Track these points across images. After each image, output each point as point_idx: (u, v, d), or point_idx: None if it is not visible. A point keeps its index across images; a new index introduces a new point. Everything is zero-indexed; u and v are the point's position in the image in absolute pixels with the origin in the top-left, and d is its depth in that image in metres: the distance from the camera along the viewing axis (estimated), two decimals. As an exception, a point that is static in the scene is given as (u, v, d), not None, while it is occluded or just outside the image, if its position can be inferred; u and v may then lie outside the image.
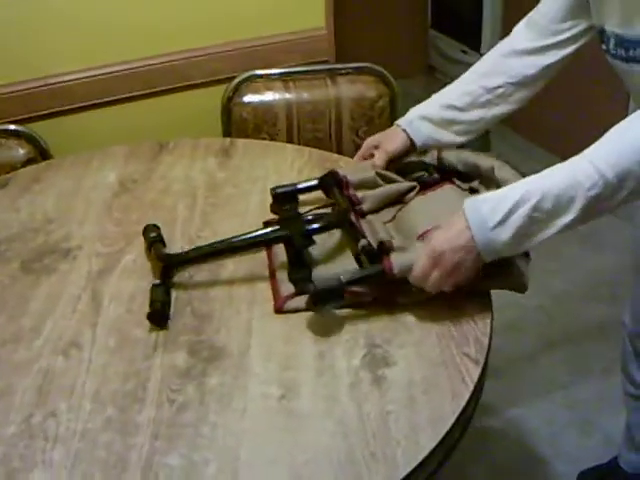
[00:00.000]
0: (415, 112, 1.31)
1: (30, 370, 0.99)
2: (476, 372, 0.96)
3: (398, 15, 3.64)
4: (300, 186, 1.30)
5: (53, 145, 1.67)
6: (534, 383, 2.06)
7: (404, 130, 1.30)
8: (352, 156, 1.76)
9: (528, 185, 0.97)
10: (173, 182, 1.43)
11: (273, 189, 1.29)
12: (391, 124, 1.78)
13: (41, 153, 1.61)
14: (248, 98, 1.76)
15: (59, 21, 1.71)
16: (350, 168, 1.31)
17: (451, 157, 1.25)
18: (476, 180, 1.21)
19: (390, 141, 1.31)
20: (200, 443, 0.86)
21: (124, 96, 1.80)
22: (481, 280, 1.04)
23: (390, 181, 1.26)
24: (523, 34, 1.26)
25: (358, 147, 1.78)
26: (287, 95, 1.76)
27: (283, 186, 1.30)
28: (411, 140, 1.30)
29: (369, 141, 1.35)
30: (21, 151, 1.57)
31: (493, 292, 1.09)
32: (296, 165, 1.48)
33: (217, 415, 0.90)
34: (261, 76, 1.79)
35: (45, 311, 1.10)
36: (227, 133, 1.79)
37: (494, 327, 1.04)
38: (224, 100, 1.78)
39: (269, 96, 1.76)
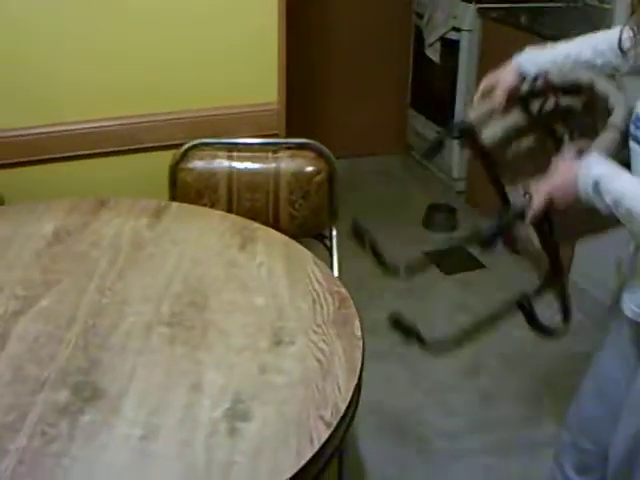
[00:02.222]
0: (528, 49, 1.48)
1: None
2: (325, 434, 1.05)
3: (381, 93, 3.82)
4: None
5: (9, 194, 1.80)
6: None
7: (517, 62, 1.47)
8: (287, 226, 1.91)
9: None
10: (103, 237, 1.56)
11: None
12: (328, 199, 1.95)
13: (-7, 200, 1.75)
14: (193, 164, 1.90)
15: (24, 77, 1.86)
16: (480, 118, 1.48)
17: (555, 76, 1.43)
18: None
19: (507, 78, 1.46)
20: (57, 473, 0.97)
21: (82, 153, 1.94)
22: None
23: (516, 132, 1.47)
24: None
25: (293, 218, 1.94)
26: (230, 164, 1.90)
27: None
28: (523, 70, 1.46)
29: (487, 80, 1.51)
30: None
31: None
32: (219, 230, 1.60)
33: (80, 449, 1.00)
34: (208, 144, 1.93)
35: (-45, 344, 1.21)
36: (172, 197, 1.92)
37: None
38: (172, 165, 1.91)
39: (213, 164, 1.90)
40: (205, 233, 1.60)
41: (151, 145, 2.02)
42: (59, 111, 1.91)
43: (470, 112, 1.51)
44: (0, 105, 1.86)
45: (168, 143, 1.99)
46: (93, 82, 1.93)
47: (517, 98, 1.48)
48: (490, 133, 1.48)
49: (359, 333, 1.27)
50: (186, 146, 1.92)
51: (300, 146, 1.95)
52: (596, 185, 1.19)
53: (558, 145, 1.40)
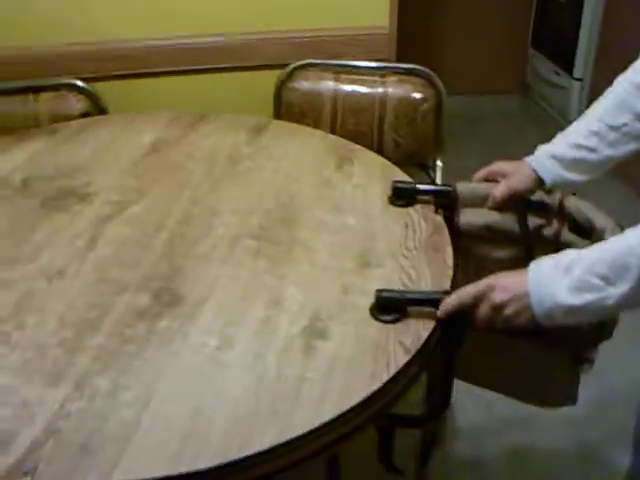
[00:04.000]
0: (544, 151, 1.30)
1: (16, 288, 1.11)
2: (403, 360, 1.00)
3: (500, 30, 3.63)
4: (420, 187, 1.38)
5: (115, 105, 1.81)
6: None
7: (534, 169, 1.29)
8: (391, 153, 1.84)
9: (588, 249, 0.98)
10: (199, 149, 1.54)
11: (394, 182, 1.38)
12: (435, 128, 1.86)
13: (99, 111, 1.76)
14: (299, 84, 1.85)
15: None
16: (468, 194, 1.34)
17: (572, 206, 1.26)
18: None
19: (518, 178, 1.30)
20: (129, 372, 0.96)
21: (189, 68, 1.93)
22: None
23: (496, 234, 1.30)
24: None
25: (397, 145, 1.86)
26: (335, 86, 1.84)
27: (404, 182, 1.39)
28: (539, 179, 1.29)
29: (497, 167, 1.35)
30: (79, 105, 1.72)
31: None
32: (317, 149, 1.55)
33: (154, 352, 1.00)
34: (315, 65, 1.87)
35: (46, 242, 1.23)
36: (277, 116, 1.88)
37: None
38: (278, 84, 1.87)
39: (318, 85, 1.84)
40: (303, 151, 1.55)
41: (259, 64, 1.98)
42: (171, 24, 1.89)
43: (460, 184, 1.33)
44: (112, 16, 1.86)
45: (276, 62, 1.94)
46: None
47: (518, 203, 1.29)
48: (469, 219, 1.31)
49: (450, 261, 1.20)
50: (293, 65, 1.88)
51: (409, 72, 1.86)
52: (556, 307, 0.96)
53: None
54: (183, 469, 0.83)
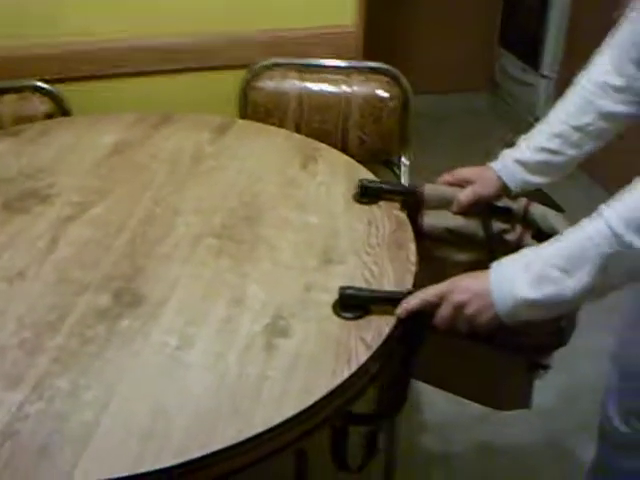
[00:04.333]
0: (509, 156, 1.31)
1: (-25, 291, 1.11)
2: (364, 356, 1.00)
3: (468, 28, 3.65)
4: (385, 187, 1.39)
5: (79, 107, 1.80)
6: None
7: (498, 175, 1.30)
8: (356, 151, 1.85)
9: (546, 243, 0.99)
10: (163, 150, 1.53)
11: (361, 181, 1.38)
12: (400, 126, 1.87)
13: (63, 112, 1.75)
14: (264, 84, 1.85)
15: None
16: (434, 196, 1.34)
17: (537, 214, 1.27)
18: None
19: (483, 184, 1.31)
20: (89, 373, 0.96)
21: (153, 69, 1.91)
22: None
23: (459, 237, 1.31)
24: (605, 67, 1.23)
25: (362, 143, 1.87)
26: (301, 85, 1.84)
27: (370, 181, 1.39)
28: (504, 184, 1.30)
29: (461, 173, 1.34)
30: (42, 107, 1.71)
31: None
32: (281, 148, 1.56)
33: (114, 353, 0.99)
34: (280, 64, 1.87)
35: (7, 244, 1.22)
36: (243, 115, 1.88)
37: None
38: (243, 83, 1.87)
39: (283, 84, 1.84)
40: (267, 150, 1.55)
41: (225, 64, 1.97)
42: (136, 24, 1.88)
43: (427, 186, 1.33)
44: (76, 17, 1.84)
45: (242, 62, 1.93)
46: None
47: (483, 207, 1.30)
48: (432, 221, 1.32)
49: (413, 258, 1.21)
50: (258, 65, 1.87)
51: (375, 70, 1.87)
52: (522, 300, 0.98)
53: None
54: (144, 468, 0.83)
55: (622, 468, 1.49)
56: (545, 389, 2.01)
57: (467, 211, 1.32)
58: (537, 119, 1.35)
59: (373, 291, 1.12)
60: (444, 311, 1.04)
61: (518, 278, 0.99)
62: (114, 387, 0.94)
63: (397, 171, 1.90)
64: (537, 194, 1.34)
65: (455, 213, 1.32)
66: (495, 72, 3.78)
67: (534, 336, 1.15)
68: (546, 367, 1.21)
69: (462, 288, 1.04)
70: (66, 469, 0.82)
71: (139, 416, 0.89)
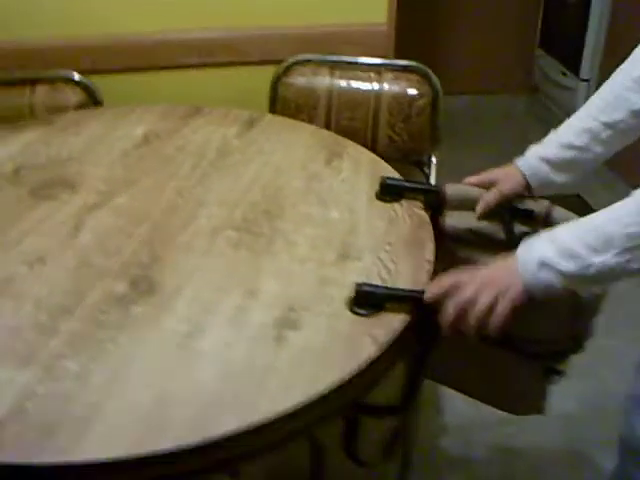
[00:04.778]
0: (534, 153, 1.30)
1: (-5, 274, 1.13)
2: (373, 353, 0.99)
3: (508, 30, 3.62)
4: (409, 185, 1.39)
5: (111, 99, 1.83)
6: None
7: (523, 174, 1.29)
8: (385, 149, 1.85)
9: (578, 220, 1.01)
10: (191, 142, 1.55)
11: (383, 178, 1.38)
12: (430, 125, 1.86)
13: (95, 104, 1.78)
14: (294, 79, 1.86)
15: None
16: (456, 196, 1.34)
17: (559, 217, 1.26)
18: None
19: (507, 182, 1.30)
20: (100, 357, 0.97)
21: (186, 62, 1.94)
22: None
23: (481, 238, 1.30)
24: None
25: (392, 141, 1.86)
26: (331, 81, 1.84)
27: (392, 178, 1.39)
28: (528, 183, 1.29)
29: (487, 175, 1.34)
30: (75, 98, 1.74)
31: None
32: (307, 144, 1.56)
33: (126, 338, 1.01)
34: (311, 61, 1.87)
35: (31, 229, 1.25)
36: (272, 111, 1.89)
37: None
38: (274, 79, 1.88)
39: (314, 80, 1.85)
40: (293, 145, 1.56)
41: (257, 59, 1.99)
42: (170, 18, 1.91)
43: (450, 186, 1.33)
44: (112, 9, 1.87)
45: (273, 58, 1.94)
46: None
47: (506, 209, 1.29)
48: (455, 222, 1.31)
49: (430, 257, 1.20)
50: (289, 61, 1.88)
51: (405, 69, 1.86)
52: (547, 260, 0.98)
53: None
54: (143, 451, 0.84)
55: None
56: (567, 395, 2.01)
57: (492, 212, 1.31)
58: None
59: (389, 288, 1.11)
60: (465, 294, 1.04)
61: (544, 247, 1.00)
62: (122, 372, 0.95)
63: (427, 171, 1.89)
64: (575, 200, 1.32)
65: (480, 215, 1.31)
66: (534, 75, 3.73)
67: (550, 342, 1.14)
68: (561, 373, 1.20)
69: (481, 275, 1.04)
70: (68, 448, 0.84)
71: (143, 401, 0.90)
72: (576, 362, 1.81)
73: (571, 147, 1.26)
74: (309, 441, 1.73)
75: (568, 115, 1.29)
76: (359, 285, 1.08)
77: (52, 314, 1.05)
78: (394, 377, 1.13)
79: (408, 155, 1.87)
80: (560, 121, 1.29)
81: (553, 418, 1.94)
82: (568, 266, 0.97)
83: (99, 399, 0.90)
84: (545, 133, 1.33)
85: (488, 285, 1.03)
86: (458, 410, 2.02)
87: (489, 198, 1.30)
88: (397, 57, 2.06)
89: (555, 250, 0.98)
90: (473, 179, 1.35)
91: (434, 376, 1.28)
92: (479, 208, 1.31)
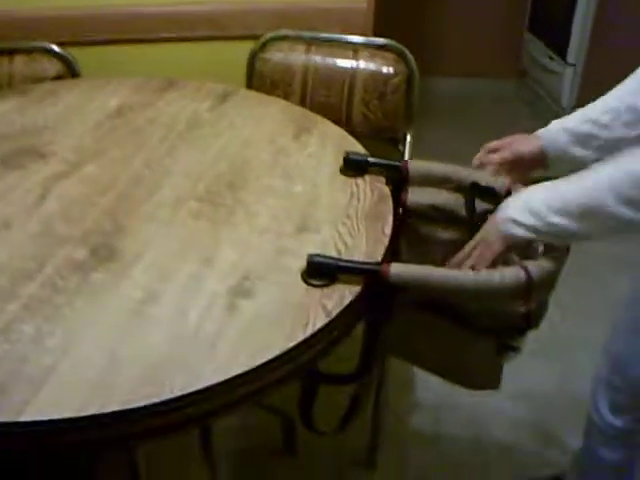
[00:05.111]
0: (557, 123, 1.30)
1: (-39, 239, 1.16)
2: (322, 322, 1.03)
3: (497, 13, 3.62)
4: (371, 160, 1.40)
5: (89, 71, 1.84)
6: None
7: (542, 140, 1.30)
8: (360, 126, 1.86)
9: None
10: (163, 114, 1.57)
11: (347, 153, 1.40)
12: (405, 103, 1.88)
13: (72, 75, 1.79)
14: (271, 55, 1.87)
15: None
16: (419, 172, 1.36)
17: None
18: None
19: (527, 145, 1.31)
20: (55, 320, 1.00)
21: (164, 36, 1.95)
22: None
23: (442, 215, 1.33)
24: None
25: (366, 119, 1.88)
26: (307, 58, 1.86)
27: (355, 153, 1.41)
28: (545, 152, 1.30)
29: (507, 139, 1.35)
30: (52, 69, 1.76)
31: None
32: (278, 118, 1.58)
33: (82, 303, 1.04)
34: (288, 37, 1.89)
35: (-1, 197, 1.27)
36: (249, 86, 1.90)
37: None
38: (251, 54, 1.89)
39: (290, 56, 1.86)
40: (263, 120, 1.58)
41: (236, 34, 2.00)
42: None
43: (415, 162, 1.36)
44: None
45: (252, 33, 1.95)
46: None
47: (467, 185, 1.30)
48: (416, 198, 1.32)
49: (388, 231, 1.23)
50: (266, 37, 1.89)
51: (382, 47, 1.88)
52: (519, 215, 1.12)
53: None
54: (90, 412, 0.87)
55: (605, 459, 1.50)
56: (540, 376, 2.05)
57: (456, 188, 1.33)
58: (563, 108, 1.34)
59: (341, 260, 1.14)
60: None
61: (515, 204, 1.14)
62: (76, 335, 0.98)
63: (402, 149, 1.91)
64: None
65: (495, 171, 1.33)
66: (523, 58, 3.74)
67: (504, 318, 1.16)
68: (516, 350, 1.22)
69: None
70: (18, 406, 0.87)
71: (94, 364, 0.93)
72: (554, 345, 1.87)
73: (594, 122, 1.25)
74: (280, 415, 1.77)
75: (555, 99, 1.30)
76: (311, 256, 1.11)
77: (12, 278, 1.08)
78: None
79: (382, 132, 1.89)
80: (547, 105, 1.30)
81: (526, 398, 1.99)
82: (530, 220, 1.10)
83: (52, 361, 0.93)
84: (533, 117, 1.35)
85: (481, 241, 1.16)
86: (431, 387, 2.06)
87: (506, 154, 1.32)
88: (372, 36, 2.07)
89: (522, 207, 1.11)
90: (495, 143, 1.36)
91: (392, 350, 1.31)
92: (495, 158, 1.34)
